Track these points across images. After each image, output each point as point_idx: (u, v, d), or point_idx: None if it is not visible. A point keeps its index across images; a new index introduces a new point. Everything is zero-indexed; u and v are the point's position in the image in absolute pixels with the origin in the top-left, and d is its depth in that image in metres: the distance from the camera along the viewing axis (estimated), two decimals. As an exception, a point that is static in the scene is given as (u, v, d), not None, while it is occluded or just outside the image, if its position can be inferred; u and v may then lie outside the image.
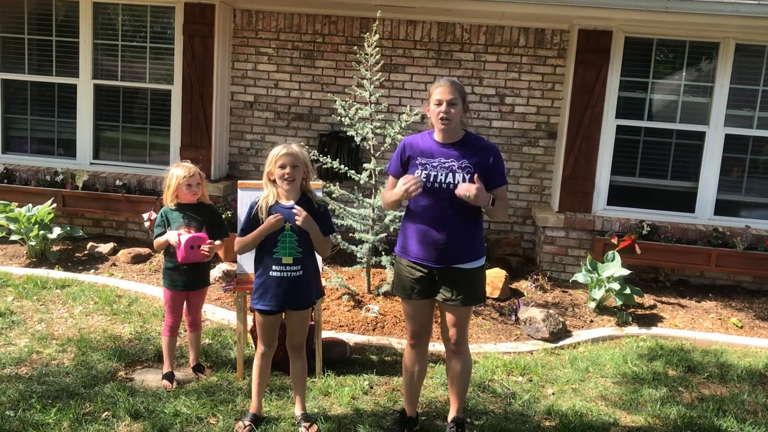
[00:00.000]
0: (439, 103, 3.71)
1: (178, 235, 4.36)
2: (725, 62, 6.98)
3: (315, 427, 3.98)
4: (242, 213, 4.44)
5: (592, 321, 6.16)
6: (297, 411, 4.09)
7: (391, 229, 6.22)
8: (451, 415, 4.02)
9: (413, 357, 4.01)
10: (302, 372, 4.10)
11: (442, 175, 3.72)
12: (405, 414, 4.09)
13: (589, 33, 6.93)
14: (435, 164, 3.75)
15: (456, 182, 3.70)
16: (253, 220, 3.89)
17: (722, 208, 7.25)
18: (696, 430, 4.31)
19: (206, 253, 4.37)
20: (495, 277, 6.35)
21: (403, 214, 6.03)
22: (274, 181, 3.89)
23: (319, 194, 4.90)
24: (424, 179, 3.73)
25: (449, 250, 3.74)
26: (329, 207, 6.34)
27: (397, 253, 3.95)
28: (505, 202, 3.87)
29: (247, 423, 3.98)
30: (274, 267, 3.87)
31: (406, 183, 3.65)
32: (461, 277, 3.77)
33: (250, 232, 3.89)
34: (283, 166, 3.82)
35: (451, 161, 3.75)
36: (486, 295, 3.91)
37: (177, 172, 4.45)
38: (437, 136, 3.82)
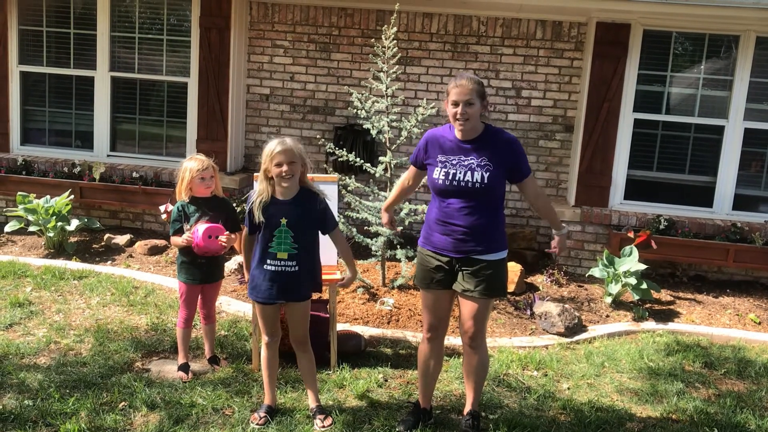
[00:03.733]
0: (456, 104, 3.69)
1: (193, 230, 4.38)
2: (745, 55, 6.89)
3: (330, 419, 3.99)
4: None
5: (608, 316, 6.12)
6: (311, 404, 4.10)
7: (407, 223, 6.22)
8: (466, 409, 4.02)
9: (429, 350, 4.01)
10: (310, 366, 4.09)
11: (461, 173, 3.73)
12: (419, 406, 4.10)
13: (607, 26, 6.87)
14: (454, 162, 3.77)
15: (475, 180, 3.70)
16: (250, 218, 3.89)
17: (741, 203, 7.17)
18: (713, 426, 4.28)
19: (224, 243, 4.39)
20: (510, 271, 6.32)
21: (416, 206, 6.05)
22: (271, 178, 3.84)
23: (333, 187, 4.91)
24: (444, 177, 3.75)
25: (470, 241, 3.76)
26: (345, 200, 6.37)
27: (420, 244, 3.98)
28: (542, 198, 4.01)
29: (262, 415, 3.99)
30: (268, 261, 3.86)
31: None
32: (481, 268, 3.77)
33: (252, 230, 3.92)
34: (279, 164, 3.76)
35: (471, 159, 3.75)
36: (506, 289, 3.89)
37: (190, 165, 4.45)
38: (457, 133, 3.81)
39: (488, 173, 3.71)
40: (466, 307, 3.83)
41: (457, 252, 3.79)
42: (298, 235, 3.85)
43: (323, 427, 3.94)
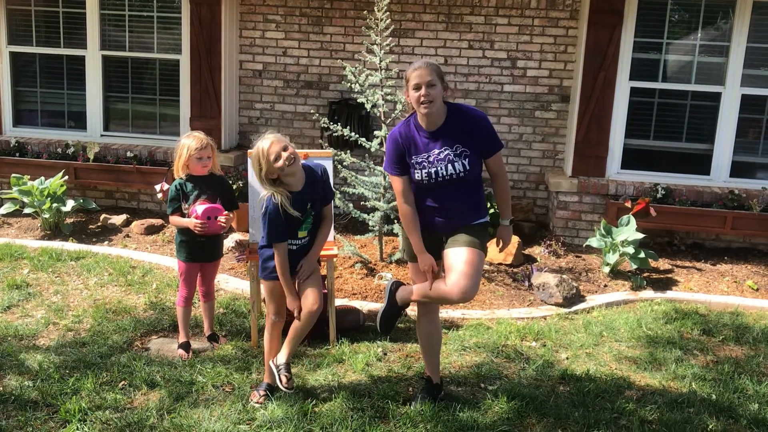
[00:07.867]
0: (418, 87, 3.63)
1: (192, 211, 4.37)
2: (742, 21, 6.82)
3: (285, 379, 3.91)
4: (254, 182, 4.42)
5: (606, 285, 6.14)
6: (281, 358, 4.02)
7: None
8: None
9: (426, 325, 4.04)
10: (303, 329, 3.99)
11: (442, 169, 3.70)
12: (431, 381, 4.10)
13: (603, -7, 6.79)
14: (431, 159, 3.72)
15: (458, 171, 3.69)
16: (282, 220, 3.79)
17: (738, 170, 7.14)
18: (711, 392, 4.31)
19: (223, 224, 4.39)
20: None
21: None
22: (274, 180, 3.80)
23: (329, 163, 4.90)
24: (427, 177, 3.72)
25: (459, 216, 3.80)
26: (341, 176, 6.33)
27: None
28: (503, 177, 3.86)
29: (262, 393, 4.00)
30: (290, 241, 3.92)
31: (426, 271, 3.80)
32: (465, 229, 3.79)
33: (284, 231, 3.83)
34: (278, 158, 3.70)
35: (446, 150, 3.71)
36: (487, 249, 3.86)
37: (188, 143, 4.41)
38: (422, 123, 3.75)
39: (467, 159, 3.70)
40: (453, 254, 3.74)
41: (449, 229, 3.82)
42: (316, 213, 3.97)
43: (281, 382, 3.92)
